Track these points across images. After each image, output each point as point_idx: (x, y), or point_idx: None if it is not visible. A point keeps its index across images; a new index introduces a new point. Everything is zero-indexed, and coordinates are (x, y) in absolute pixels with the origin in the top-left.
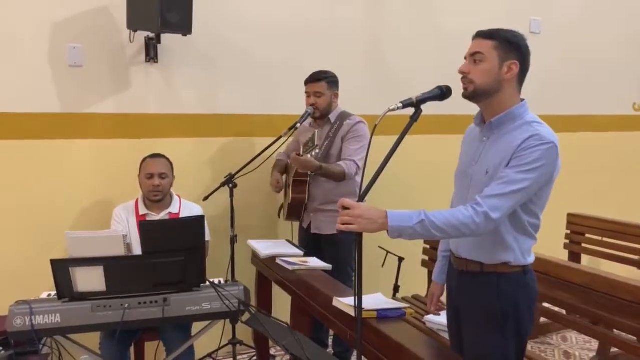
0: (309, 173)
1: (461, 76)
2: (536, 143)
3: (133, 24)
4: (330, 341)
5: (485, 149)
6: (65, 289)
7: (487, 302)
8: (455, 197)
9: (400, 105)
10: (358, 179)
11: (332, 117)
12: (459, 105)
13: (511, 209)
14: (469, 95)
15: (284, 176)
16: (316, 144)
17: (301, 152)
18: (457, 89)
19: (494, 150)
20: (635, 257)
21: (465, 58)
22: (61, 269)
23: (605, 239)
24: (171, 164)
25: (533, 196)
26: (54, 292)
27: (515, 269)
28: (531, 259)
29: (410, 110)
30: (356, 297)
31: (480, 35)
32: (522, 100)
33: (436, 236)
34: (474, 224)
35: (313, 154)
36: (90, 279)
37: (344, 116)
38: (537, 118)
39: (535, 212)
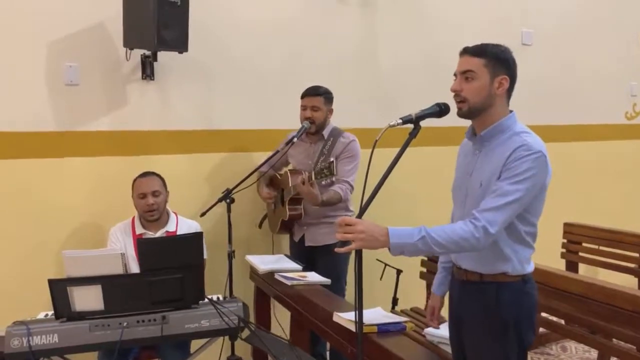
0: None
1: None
2: (525, 153)
3: (129, 42)
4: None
5: (478, 162)
6: (62, 309)
7: (487, 312)
8: (454, 211)
9: (400, 121)
10: (350, 195)
11: (325, 133)
12: (458, 118)
13: (508, 221)
14: (464, 115)
15: (274, 193)
16: (334, 173)
17: (313, 177)
18: (453, 103)
19: (486, 162)
20: (632, 265)
21: (455, 75)
22: (59, 288)
23: (601, 248)
24: (163, 180)
25: (527, 205)
26: (51, 312)
27: (514, 278)
28: (530, 268)
29: (409, 125)
30: (357, 312)
31: (469, 52)
32: (511, 111)
33: (437, 252)
34: (474, 239)
35: (328, 181)
36: (88, 298)
37: (336, 133)
38: (526, 128)
39: (530, 220)
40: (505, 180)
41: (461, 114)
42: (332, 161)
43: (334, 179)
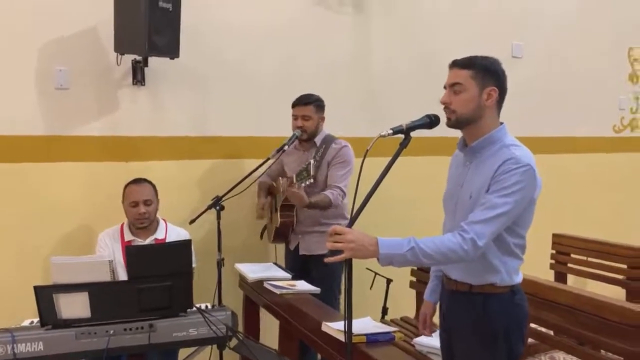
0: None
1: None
2: (513, 167)
3: (120, 47)
4: None
5: (469, 174)
6: (48, 316)
7: (476, 322)
8: (445, 222)
9: (391, 131)
10: (346, 201)
11: (318, 140)
12: (448, 128)
13: (496, 233)
14: (452, 125)
15: (268, 197)
16: (311, 174)
17: (294, 180)
18: (444, 113)
19: (476, 174)
20: (620, 277)
21: (445, 87)
22: (45, 295)
23: (590, 259)
24: (155, 188)
25: (516, 218)
26: (36, 319)
27: (503, 289)
28: (518, 279)
29: (400, 135)
30: (346, 322)
31: (457, 65)
32: (501, 123)
33: (425, 263)
34: (462, 251)
35: (307, 182)
36: (74, 305)
37: (329, 139)
38: (516, 141)
39: (519, 232)
40: (494, 193)
41: (450, 124)
42: (310, 162)
43: (311, 180)
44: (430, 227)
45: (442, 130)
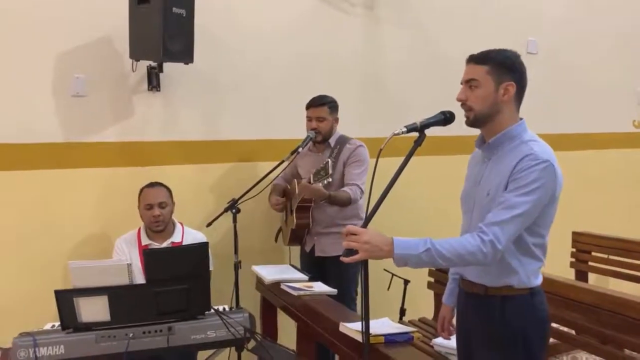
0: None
1: (460, 103)
2: (531, 163)
3: (135, 54)
4: None
5: (486, 171)
6: (69, 320)
7: (493, 325)
8: (462, 222)
9: (405, 129)
10: (362, 202)
11: (332, 141)
12: (465, 126)
13: (516, 234)
14: (471, 124)
15: (283, 198)
16: (330, 172)
17: (312, 180)
18: (459, 111)
19: (494, 171)
20: None
21: (462, 84)
22: (65, 299)
23: (611, 257)
24: (170, 191)
25: (536, 217)
26: (57, 323)
27: (520, 291)
28: (537, 281)
29: (415, 133)
30: (363, 322)
31: (473, 60)
32: (521, 119)
33: (442, 265)
34: (481, 254)
35: (325, 182)
36: (94, 309)
37: (343, 140)
38: (535, 136)
39: (539, 232)
40: (512, 192)
41: (468, 123)
42: (327, 162)
43: (330, 179)
44: (447, 227)
45: (460, 129)
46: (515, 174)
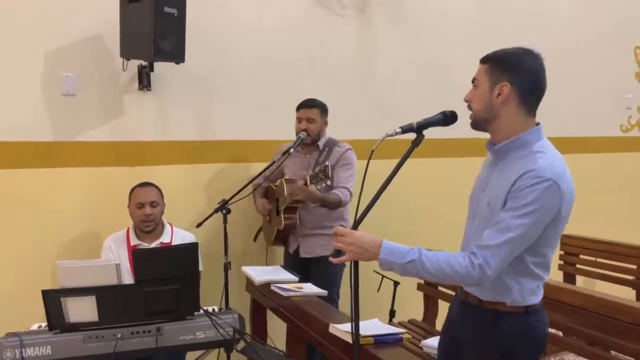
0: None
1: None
2: (532, 182)
3: (126, 53)
4: None
5: (493, 177)
6: (56, 320)
7: (485, 338)
8: (465, 224)
9: (399, 130)
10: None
11: (321, 143)
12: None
13: (509, 257)
14: (473, 126)
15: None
16: (330, 176)
17: (308, 182)
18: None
19: (499, 179)
20: (630, 277)
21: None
22: (52, 299)
23: (599, 260)
24: (161, 191)
25: (536, 237)
26: (44, 324)
27: (514, 309)
28: (535, 299)
29: (412, 135)
30: (353, 323)
31: (481, 59)
32: (537, 124)
33: (426, 278)
34: (469, 277)
35: (323, 185)
36: (82, 309)
37: (332, 143)
38: (546, 145)
39: (541, 251)
40: (509, 212)
41: (471, 125)
42: (327, 165)
43: (329, 182)
44: (439, 230)
45: (457, 131)
46: (514, 192)
